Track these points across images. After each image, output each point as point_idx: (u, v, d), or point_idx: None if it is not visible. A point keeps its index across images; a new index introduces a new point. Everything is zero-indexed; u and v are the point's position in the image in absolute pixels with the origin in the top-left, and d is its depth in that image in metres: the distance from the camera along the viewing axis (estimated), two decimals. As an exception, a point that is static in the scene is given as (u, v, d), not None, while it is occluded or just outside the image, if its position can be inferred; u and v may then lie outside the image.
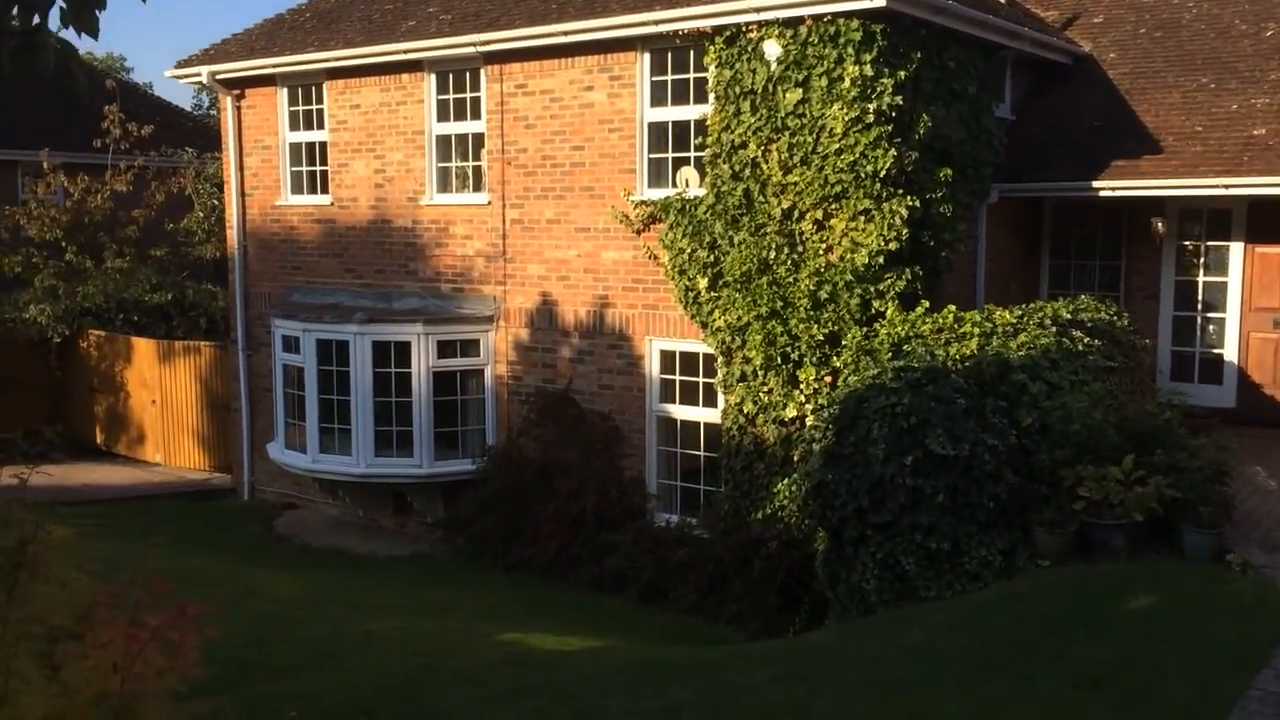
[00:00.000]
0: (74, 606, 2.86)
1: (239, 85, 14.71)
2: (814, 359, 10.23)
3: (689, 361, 11.54)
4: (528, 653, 7.55)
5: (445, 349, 12.86)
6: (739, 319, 10.57)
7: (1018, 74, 12.74)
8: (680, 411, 11.67)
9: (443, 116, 13.11)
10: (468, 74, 12.81)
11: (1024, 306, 10.06)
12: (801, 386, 10.35)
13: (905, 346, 9.59)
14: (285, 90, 14.42)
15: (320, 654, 6.99)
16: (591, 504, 11.69)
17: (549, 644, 8.08)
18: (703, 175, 11.11)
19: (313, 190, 14.50)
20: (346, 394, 12.90)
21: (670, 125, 11.50)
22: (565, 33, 11.40)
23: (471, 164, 13.11)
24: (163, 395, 16.59)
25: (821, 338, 10.16)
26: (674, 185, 11.44)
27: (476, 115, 12.79)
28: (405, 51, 12.62)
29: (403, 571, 11.98)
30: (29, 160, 21.30)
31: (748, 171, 10.57)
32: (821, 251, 10.27)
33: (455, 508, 13.01)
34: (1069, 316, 10.16)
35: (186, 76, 14.79)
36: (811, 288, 10.15)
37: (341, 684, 6.32)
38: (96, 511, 13.81)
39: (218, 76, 14.50)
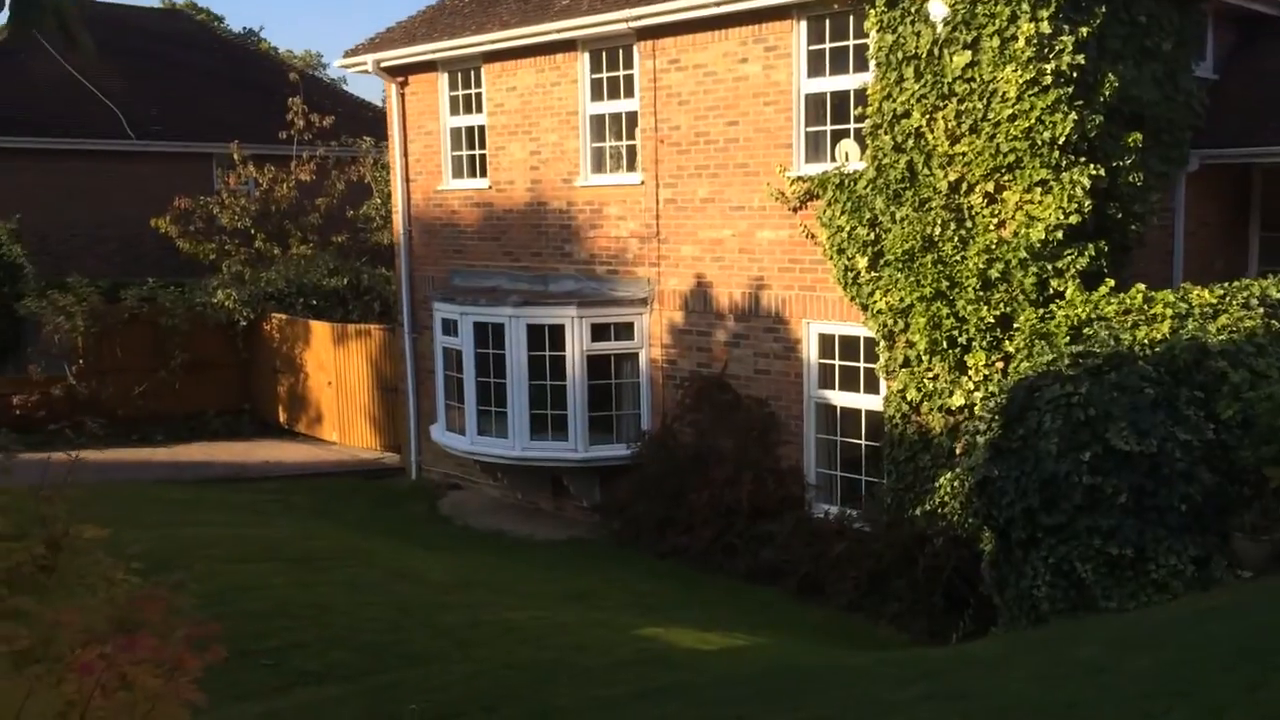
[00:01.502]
0: (115, 609, 2.69)
1: (402, 72, 14.91)
2: (983, 343, 9.49)
3: (849, 345, 10.95)
4: (664, 651, 7.24)
5: (599, 332, 12.67)
6: (901, 300, 9.92)
7: (1221, 29, 11.49)
8: (840, 398, 11.10)
9: (596, 96, 12.90)
10: (620, 51, 12.54)
11: (1226, 285, 9.02)
12: (970, 373, 9.63)
13: (1086, 330, 8.75)
14: (445, 75, 14.52)
15: (453, 643, 6.88)
16: (747, 492, 11.29)
17: (688, 641, 7.75)
18: (862, 148, 10.48)
19: (472, 174, 14.57)
20: (503, 377, 12.90)
21: (828, 96, 10.90)
22: (718, 3, 10.95)
23: (625, 143, 12.85)
24: (337, 377, 17.11)
25: (992, 320, 9.41)
26: (832, 159, 10.85)
27: (629, 93, 12.51)
28: (558, 31, 12.45)
29: (556, 556, 11.89)
30: (222, 153, 22.40)
31: (911, 142, 9.89)
32: (992, 227, 9.50)
33: (611, 493, 12.86)
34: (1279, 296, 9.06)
35: (354, 65, 15.09)
36: (981, 266, 9.41)
37: (468, 676, 6.17)
38: (275, 487, 14.35)
39: (382, 64, 14.72)
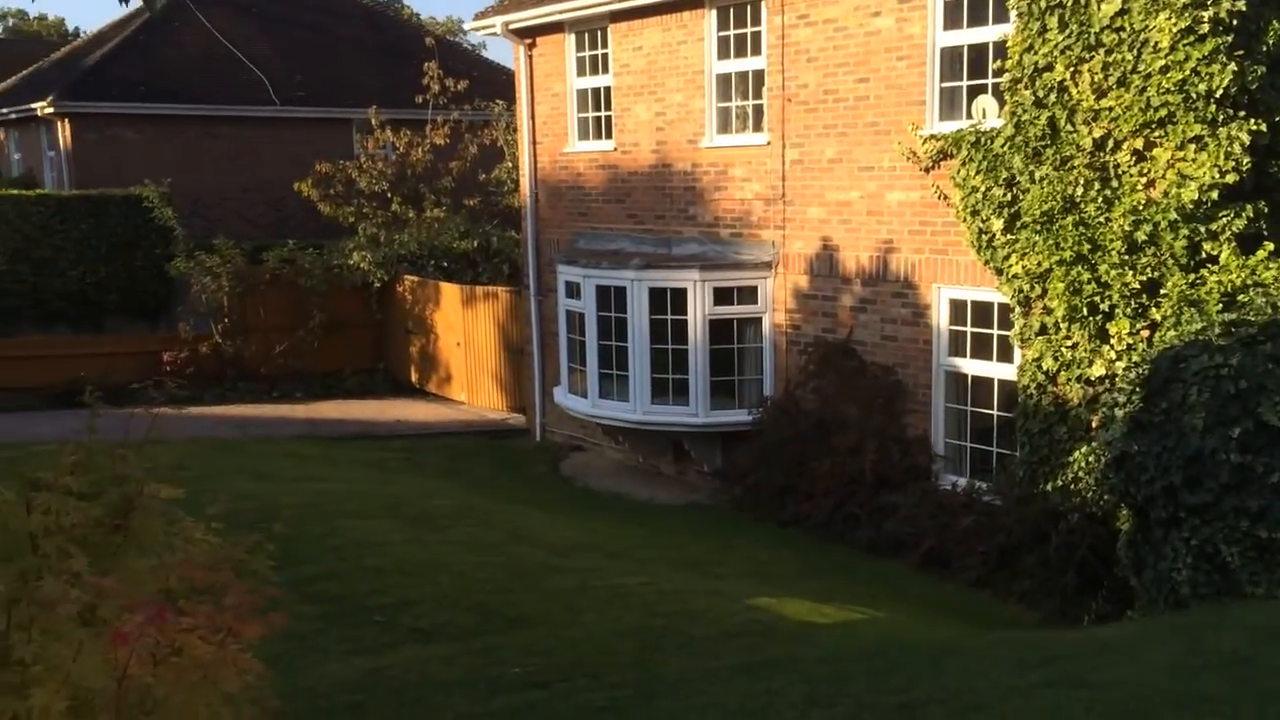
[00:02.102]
0: (193, 569, 2.68)
1: (530, 34, 14.89)
2: (1127, 310, 8.93)
3: (981, 312, 10.48)
4: (775, 622, 7.07)
5: (722, 296, 12.47)
6: (1039, 264, 9.41)
7: None
8: (971, 366, 10.65)
9: (723, 54, 12.61)
10: (748, 7, 12.21)
11: (1404, 249, 8.26)
12: (1112, 341, 9.09)
13: (1240, 297, 8.15)
14: (572, 36, 14.44)
15: (562, 607, 6.86)
16: (870, 462, 10.99)
17: (802, 613, 7.56)
18: (1000, 104, 9.95)
19: (597, 136, 14.49)
20: (625, 340, 12.84)
21: (964, 50, 10.39)
22: (849, -46, 10.54)
23: (751, 103, 12.55)
24: (465, 338, 17.38)
25: (1137, 286, 8.85)
26: (968, 117, 10.35)
27: (757, 51, 12.20)
28: (685, -13, 12.21)
29: (675, 521, 11.83)
30: (361, 118, 22.91)
31: (1053, 97, 9.33)
32: (1140, 186, 8.90)
33: (731, 458, 12.72)
34: None
35: (483, 28, 15.15)
36: (1126, 228, 8.84)
37: (574, 641, 6.14)
38: (403, 445, 14.69)
39: (510, 26, 14.73)
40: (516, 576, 7.52)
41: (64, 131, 22.23)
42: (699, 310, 12.43)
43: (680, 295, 12.51)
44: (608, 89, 14.13)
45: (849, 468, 11.14)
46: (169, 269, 18.27)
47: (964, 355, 10.69)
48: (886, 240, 11.15)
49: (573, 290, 13.58)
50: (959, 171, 10.22)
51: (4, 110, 24.42)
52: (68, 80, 23.04)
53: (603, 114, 14.35)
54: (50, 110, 21.86)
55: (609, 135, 14.23)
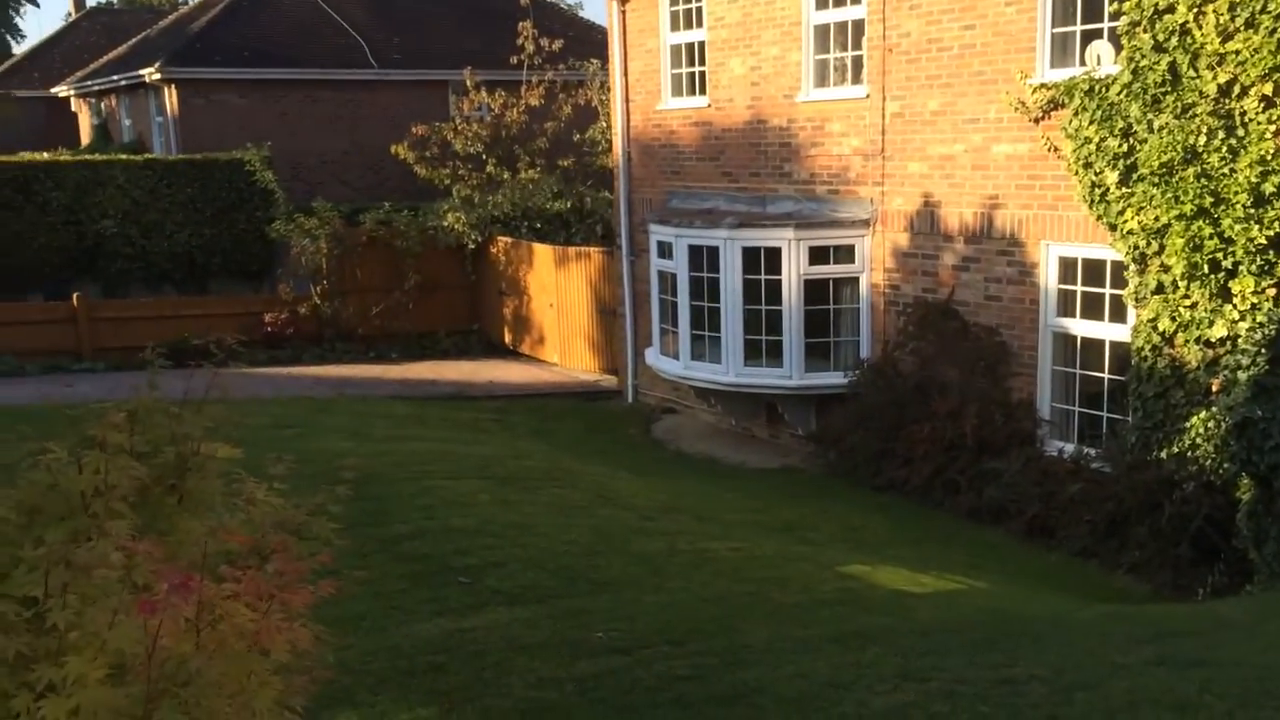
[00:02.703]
0: (233, 534, 2.59)
1: (623, -12, 14.63)
2: (1252, 267, 8.37)
3: (1093, 270, 9.97)
4: (868, 591, 6.84)
5: (817, 255, 12.14)
6: (1156, 219, 8.88)
7: None
8: (1080, 327, 10.16)
9: (821, 4, 12.18)
10: (847, -47, 11.76)
11: None
12: (1234, 301, 8.54)
13: (1380, 252, 7.54)
14: (666, -11, 14.13)
15: (649, 570, 6.73)
16: (972, 426, 10.59)
17: (897, 581, 7.31)
18: (1116, 49, 9.38)
19: (691, 92, 14.19)
20: (717, 301, 12.61)
21: (1078, -9, 9.81)
22: (954, -107, 10.02)
23: (850, 54, 12.11)
24: (558, 299, 17.33)
25: (1264, 241, 8.27)
26: (1081, 63, 9.79)
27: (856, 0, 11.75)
28: (781, -66, 11.79)
29: (768, 484, 11.62)
30: (457, 79, 22.94)
31: (1174, 41, 8.74)
32: (1269, 135, 8.30)
33: (826, 422, 12.43)
34: None
35: (575, -16, 14.91)
36: (1253, 180, 8.26)
37: (658, 606, 6.00)
38: (495, 406, 14.74)
39: (603, -19, 14.49)
40: (603, 539, 7.41)
41: (171, 97, 22.76)
42: (794, 270, 12.12)
43: (774, 255, 12.21)
44: (701, 44, 13.80)
45: (949, 432, 10.76)
46: (269, 231, 18.59)
47: (1073, 316, 10.19)
48: (992, 196, 10.67)
49: (665, 250, 13.38)
50: (1071, 122, 9.69)
51: (115, 78, 25.11)
52: (174, 47, 23.56)
53: (696, 70, 14.04)
54: (158, 77, 22.39)
55: (702, 91, 13.92)
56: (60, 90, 30.22)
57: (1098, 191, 9.50)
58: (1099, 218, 9.58)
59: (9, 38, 52.26)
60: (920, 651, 5.33)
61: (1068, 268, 10.18)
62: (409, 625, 5.65)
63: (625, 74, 14.98)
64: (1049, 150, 10.02)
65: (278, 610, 2.02)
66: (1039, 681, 4.78)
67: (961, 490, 10.54)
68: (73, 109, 31.01)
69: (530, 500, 8.58)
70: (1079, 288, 10.10)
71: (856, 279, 12.16)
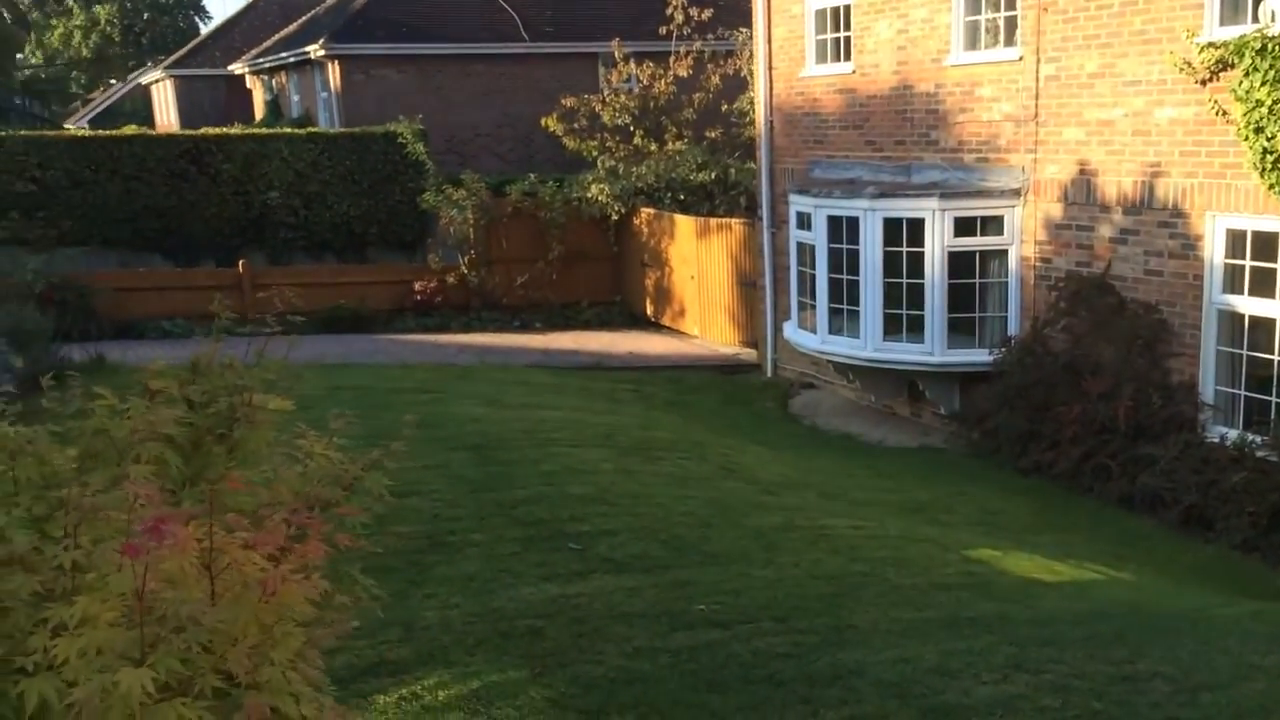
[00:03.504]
0: (306, 483, 2.61)
1: (768, -47, 14.32)
2: None
3: (1264, 243, 9.22)
4: (993, 577, 6.53)
5: (963, 226, 11.64)
6: (1336, 188, 8.14)
7: None
8: (1249, 305, 9.43)
9: (972, -38, 11.62)
10: (1001, -92, 11.17)
11: None
12: None
13: None
14: (811, -48, 13.76)
15: (761, 546, 6.60)
16: (1125, 409, 9.99)
17: (1027, 569, 6.96)
18: (1296, 1, 8.62)
19: (835, 58, 13.79)
20: (856, 273, 12.27)
21: (1255, -60, 9.04)
22: None
23: (1002, 15, 11.52)
24: (699, 271, 17.22)
25: None
26: (1253, 20, 9.03)
27: (1010, -44, 11.15)
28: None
29: (904, 464, 11.27)
30: (606, 51, 22.99)
31: (1364, -10, 7.97)
32: None
33: (970, 400, 11.97)
34: None
35: (719, -50, 14.67)
36: None
37: (765, 582, 5.87)
38: (632, 377, 14.77)
39: (747, -54, 14.21)
40: (720, 512, 7.31)
41: (334, 73, 23.59)
42: (937, 242, 11.66)
43: (917, 226, 11.77)
44: (846, 7, 13.39)
45: (1101, 414, 10.19)
46: (420, 202, 19.08)
47: (1241, 292, 9.47)
48: (1153, 163, 10.00)
49: (804, 221, 13.09)
50: (1241, 83, 8.96)
51: (284, 55, 26.20)
52: (337, 25, 24.38)
53: (840, 35, 13.63)
54: (322, 54, 23.22)
55: (847, 57, 13.52)
56: (236, 68, 31.76)
57: (1270, 158, 8.77)
58: (1271, 187, 8.85)
59: (197, 18, 55.34)
60: (1038, 642, 5.05)
61: (1236, 240, 9.45)
62: (515, 588, 5.69)
63: (769, 41, 14.68)
64: (1217, 114, 9.30)
65: (291, 563, 2.01)
66: (1163, 680, 4.47)
67: (1112, 476, 9.98)
68: (248, 86, 32.53)
69: (652, 470, 8.54)
70: (1248, 262, 9.37)
71: (1005, 251, 11.62)
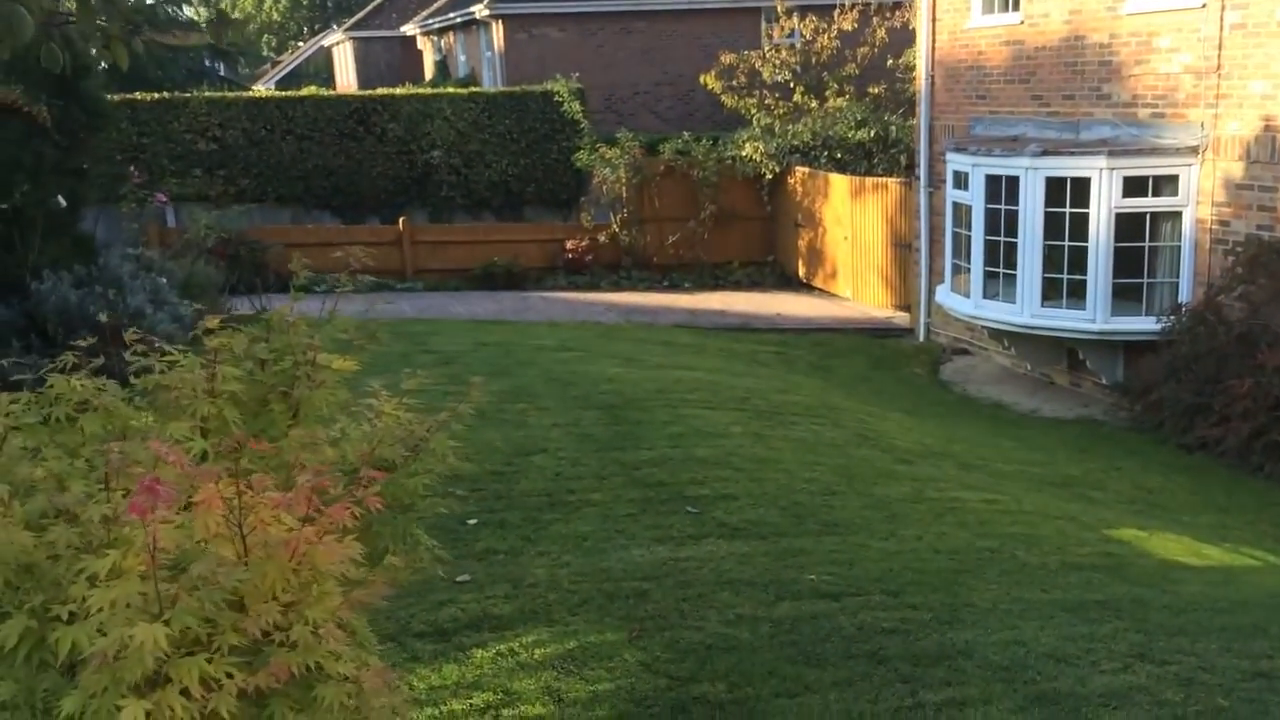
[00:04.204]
0: (368, 443, 2.64)
1: (931, -102, 13.69)
2: None
3: None
4: (1132, 558, 6.16)
5: (1133, 186, 10.94)
6: None
7: None
8: None
9: (1151, -99, 10.81)
10: None
11: None
12: None
13: None
14: (977, -104, 13.07)
15: (884, 516, 6.41)
16: (1305, 384, 9.26)
17: (1173, 551, 6.53)
18: None
19: (1002, 8, 13.11)
20: (1014, 236, 11.71)
21: None
22: None
23: (1184, -43, 10.68)
24: (853, 231, 16.80)
25: None
26: None
27: (1194, -108, 10.31)
28: None
29: (1057, 436, 10.75)
30: (769, 6, 22.54)
31: None
32: None
33: (1134, 371, 11.33)
34: None
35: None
36: None
37: (883, 554, 5.70)
38: (778, 339, 14.59)
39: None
40: (846, 480, 7.14)
41: (498, 32, 23.94)
42: (1103, 202, 11.00)
43: (1081, 185, 11.13)
44: (1015, -46, 12.70)
45: (1276, 388, 9.47)
46: (574, 161, 19.22)
47: None
48: (1348, 117, 9.14)
49: (960, 180, 12.56)
50: None
51: (452, 15, 26.75)
52: (502, -17, 24.69)
53: (1008, -17, 12.95)
54: (486, 13, 23.59)
55: (1014, 7, 12.82)
56: (408, 29, 32.66)
57: None
58: None
59: (374, -20, 57.14)
60: (1170, 630, 4.75)
61: None
62: (626, 550, 5.71)
63: (932, -9, 14.09)
64: None
65: (314, 524, 2.03)
66: (1304, 681, 4.12)
67: (1286, 455, 9.28)
68: (419, 47, 33.43)
69: (783, 435, 8.40)
70: None
71: (1178, 213, 10.87)
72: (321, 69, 46.03)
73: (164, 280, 10.90)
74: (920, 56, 14.51)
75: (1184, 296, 10.91)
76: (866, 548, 5.81)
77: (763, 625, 4.72)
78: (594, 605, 4.94)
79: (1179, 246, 10.95)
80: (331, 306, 3.62)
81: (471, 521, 6.14)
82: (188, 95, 19.59)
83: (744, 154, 18.29)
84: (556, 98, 20.04)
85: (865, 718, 3.92)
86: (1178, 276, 10.99)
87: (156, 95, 19.25)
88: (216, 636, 1.89)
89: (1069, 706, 3.94)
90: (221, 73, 32.00)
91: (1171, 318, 10.82)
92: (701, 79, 21.04)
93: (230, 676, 1.90)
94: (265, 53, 54.64)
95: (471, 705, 4.03)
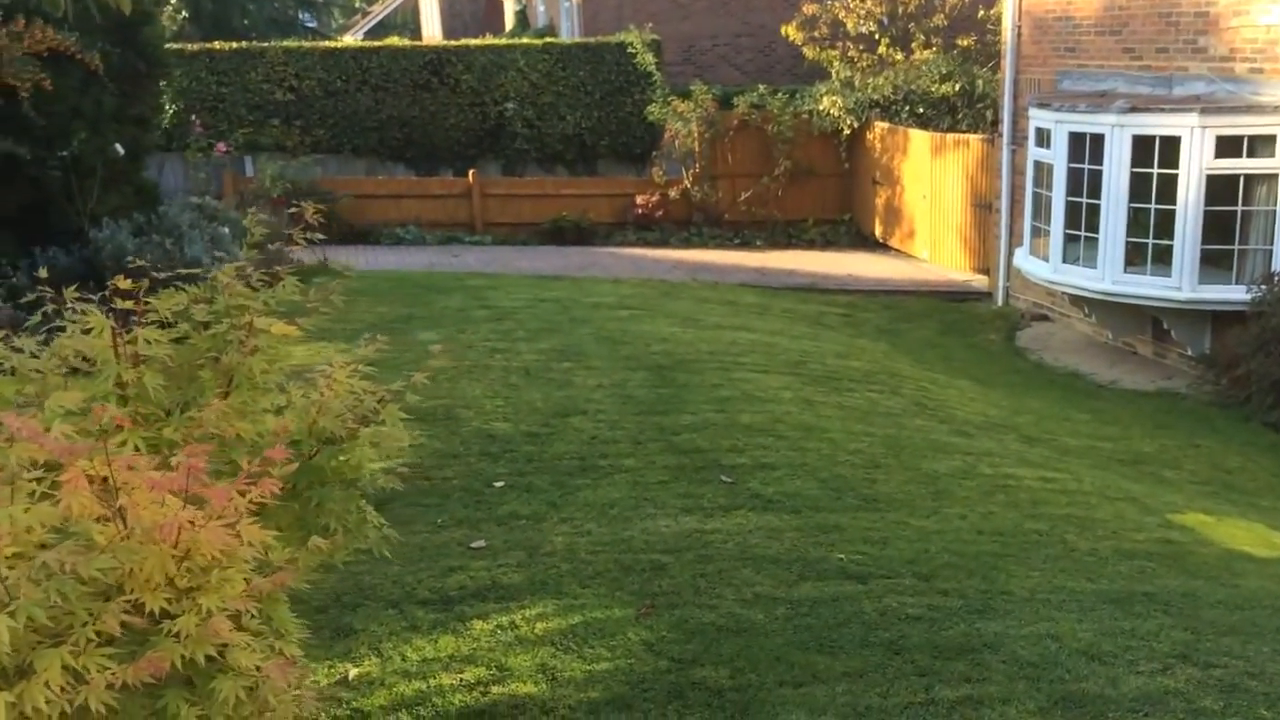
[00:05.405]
0: (301, 416, 2.47)
1: None
2: None
3: None
4: (1194, 546, 5.76)
5: (1227, 146, 10.28)
6: None
7: None
8: None
9: None
10: None
11: None
12: None
13: None
14: None
15: (930, 493, 6.11)
16: (1407, 362, 8.63)
17: (1241, 539, 6.11)
18: None
19: (1095, -45, 12.38)
20: (1097, 197, 11.13)
21: None
22: None
23: (1294, -103, 9.91)
24: (932, 190, 16.21)
25: None
26: None
27: None
28: None
29: (1135, 409, 10.24)
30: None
31: None
32: None
33: (1222, 342, 10.71)
34: None
35: None
36: None
37: (920, 533, 5.42)
38: (846, 301, 14.19)
39: None
40: (893, 452, 6.84)
41: (576, -17, 23.60)
42: (1194, 163, 10.36)
43: (1171, 145, 10.49)
44: (1110, -104, 11.93)
45: (1374, 367, 8.86)
46: (646, 114, 18.88)
47: None
48: None
49: (1043, 138, 11.97)
50: None
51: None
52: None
53: (1102, -73, 12.20)
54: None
55: (1109, -47, 12.10)
56: (491, -21, 32.42)
57: None
58: None
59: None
60: (1220, 629, 4.41)
61: None
62: (652, 519, 5.52)
63: (1021, -63, 13.37)
64: None
65: (218, 507, 1.87)
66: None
67: (1382, 438, 8.69)
68: (502, -3, 33.20)
69: (835, 402, 8.11)
70: None
71: (1274, 176, 10.19)
72: (409, 20, 46.13)
73: (225, 230, 10.95)
74: (1007, 6, 13.83)
75: (1277, 265, 10.25)
76: (904, 526, 5.53)
77: (779, 606, 4.50)
78: (607, 578, 4.77)
79: (1274, 211, 10.27)
80: (321, 257, 3.44)
81: (499, 484, 6.01)
82: (264, 45, 19.69)
83: (821, 108, 17.76)
84: (630, 49, 19.65)
85: (872, 712, 3.69)
86: (1271, 244, 10.33)
87: (234, 45, 19.40)
88: (76, 629, 1.75)
89: (1094, 711, 3.66)
90: (310, 23, 32.20)
91: (1263, 287, 10.19)
92: (782, 30, 20.44)
93: (105, 670, 1.77)
94: (357, 3, 54.98)
95: (462, 680, 3.90)
